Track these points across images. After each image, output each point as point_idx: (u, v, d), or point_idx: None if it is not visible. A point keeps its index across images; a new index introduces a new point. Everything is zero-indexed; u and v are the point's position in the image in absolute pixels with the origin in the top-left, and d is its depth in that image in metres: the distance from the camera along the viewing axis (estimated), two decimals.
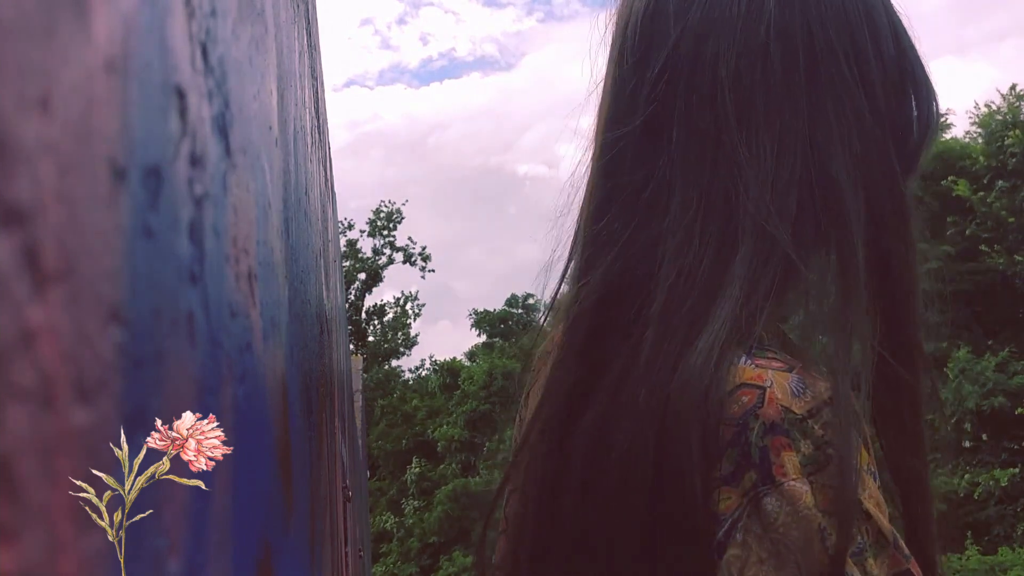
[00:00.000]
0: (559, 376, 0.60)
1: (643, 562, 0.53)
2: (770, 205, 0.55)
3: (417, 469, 20.12)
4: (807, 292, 0.59)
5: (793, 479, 0.49)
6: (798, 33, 0.57)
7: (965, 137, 15.45)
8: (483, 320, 22.61)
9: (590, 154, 0.66)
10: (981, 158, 14.22)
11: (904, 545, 0.52)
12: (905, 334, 0.61)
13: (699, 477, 0.50)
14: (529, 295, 22.22)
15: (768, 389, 0.51)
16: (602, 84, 0.66)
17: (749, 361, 0.53)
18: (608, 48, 0.66)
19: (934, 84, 0.62)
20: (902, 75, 0.60)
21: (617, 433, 0.54)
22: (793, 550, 0.49)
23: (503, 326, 22.20)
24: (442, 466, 19.95)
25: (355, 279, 23.99)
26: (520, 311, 22.34)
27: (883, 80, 0.59)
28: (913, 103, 0.61)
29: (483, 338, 22.72)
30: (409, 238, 24.75)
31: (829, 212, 0.56)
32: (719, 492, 0.50)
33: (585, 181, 0.65)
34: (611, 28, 0.66)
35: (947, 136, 15.65)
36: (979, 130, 14.98)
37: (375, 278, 24.37)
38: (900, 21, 0.61)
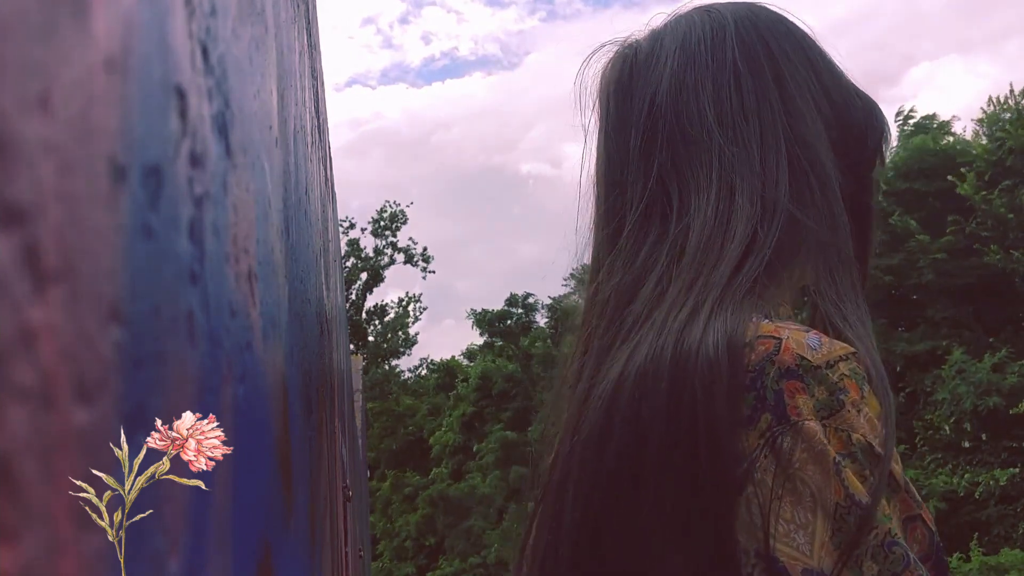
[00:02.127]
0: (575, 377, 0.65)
1: (660, 539, 0.54)
2: (763, 180, 0.63)
3: (414, 476, 20.12)
4: (816, 256, 0.63)
5: (808, 419, 0.52)
6: (759, 49, 0.68)
7: (968, 135, 15.45)
8: (482, 320, 22.59)
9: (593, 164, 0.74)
10: (984, 155, 14.22)
11: (915, 491, 0.54)
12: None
13: (727, 426, 0.53)
14: (529, 294, 22.23)
15: (785, 340, 0.55)
16: (595, 146, 0.75)
17: (767, 320, 0.57)
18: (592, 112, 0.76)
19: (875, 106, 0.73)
20: (846, 85, 0.71)
21: (647, 391, 0.56)
22: (809, 484, 0.51)
23: (501, 325, 22.18)
24: (434, 471, 19.93)
25: (357, 279, 24.00)
26: (520, 311, 22.32)
27: (834, 84, 0.69)
28: (859, 108, 0.71)
29: (484, 338, 22.71)
30: (411, 239, 24.78)
31: (818, 180, 0.64)
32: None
33: (592, 189, 0.74)
34: (592, 95, 0.75)
35: (949, 135, 15.66)
36: (982, 128, 14.99)
37: (376, 278, 24.38)
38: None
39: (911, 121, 15.82)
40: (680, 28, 0.71)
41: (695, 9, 0.73)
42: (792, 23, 0.71)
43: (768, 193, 0.62)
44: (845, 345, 0.56)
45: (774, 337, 0.55)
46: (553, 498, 0.62)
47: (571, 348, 0.69)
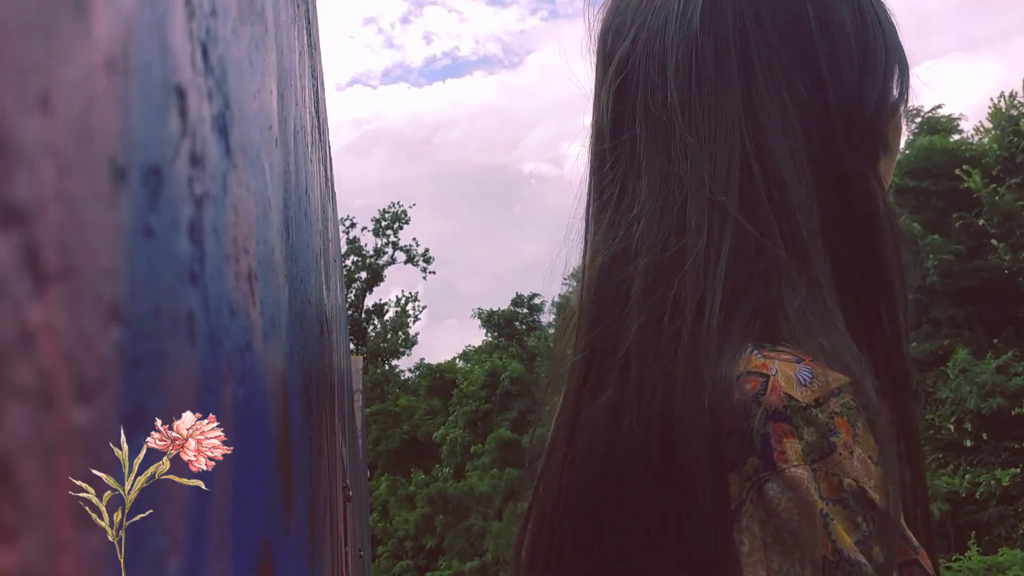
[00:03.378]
0: (570, 381, 0.61)
1: (658, 550, 0.53)
2: (713, 182, 0.57)
3: (417, 474, 20.10)
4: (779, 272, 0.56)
5: (795, 465, 0.49)
6: (729, 21, 0.59)
7: (975, 135, 15.40)
8: (489, 320, 22.57)
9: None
10: (995, 147, 14.18)
11: (912, 536, 0.52)
12: (888, 338, 0.60)
13: (705, 466, 0.51)
14: (535, 294, 22.18)
15: (772, 377, 0.52)
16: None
17: (756, 352, 0.53)
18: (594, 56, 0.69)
19: (905, 62, 0.63)
20: (863, 52, 0.61)
21: (623, 425, 0.54)
22: (796, 535, 0.49)
23: (508, 326, 22.16)
24: (436, 468, 19.91)
25: (356, 278, 24.00)
26: (525, 311, 22.31)
27: (832, 57, 0.60)
28: (874, 79, 0.61)
29: (488, 337, 22.68)
30: (414, 239, 24.80)
31: (772, 187, 0.57)
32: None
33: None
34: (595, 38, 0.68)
35: (957, 132, 15.62)
36: (990, 125, 14.95)
37: (377, 277, 24.39)
38: (870, 6, 0.62)
39: (917, 120, 15.78)
40: None
41: None
42: None
43: (717, 199, 0.56)
44: (839, 376, 0.52)
45: (761, 374, 0.52)
46: (549, 509, 0.60)
47: (565, 346, 0.65)
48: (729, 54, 0.59)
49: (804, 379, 0.52)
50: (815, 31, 0.59)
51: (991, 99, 15.40)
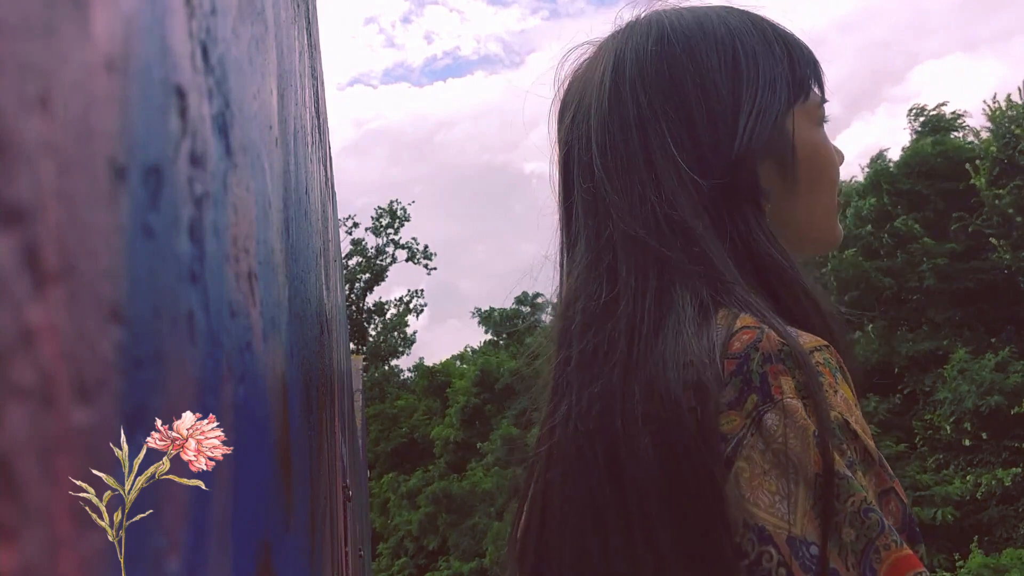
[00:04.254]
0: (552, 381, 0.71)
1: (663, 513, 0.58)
2: (635, 224, 0.69)
3: (412, 476, 20.10)
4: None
5: (790, 397, 0.56)
6: (628, 102, 0.72)
7: (973, 136, 15.37)
8: (488, 319, 22.57)
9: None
10: (992, 150, 14.15)
11: (888, 466, 0.58)
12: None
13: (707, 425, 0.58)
14: (539, 294, 22.15)
15: (766, 329, 0.60)
16: None
17: (747, 314, 0.62)
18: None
19: (775, 82, 0.74)
20: (736, 107, 0.72)
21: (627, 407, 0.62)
22: (791, 457, 0.55)
23: (511, 324, 22.13)
24: (431, 467, 19.90)
25: (358, 278, 24.00)
26: (528, 309, 22.29)
27: (707, 120, 0.71)
28: (746, 109, 0.72)
29: (489, 335, 22.69)
30: (413, 238, 24.78)
31: (679, 229, 0.68)
32: (724, 416, 0.57)
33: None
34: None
35: (959, 129, 15.58)
36: (989, 125, 14.92)
37: (379, 276, 24.38)
38: (749, 50, 0.73)
39: (920, 119, 15.73)
40: (601, 52, 0.78)
41: (624, 27, 0.78)
42: (699, 34, 0.73)
43: (641, 247, 0.68)
44: (817, 338, 0.61)
45: (756, 327, 0.60)
46: (542, 489, 0.68)
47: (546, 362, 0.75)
48: (631, 129, 0.72)
49: (793, 335, 0.60)
50: (694, 102, 0.71)
51: (984, 101, 15.38)
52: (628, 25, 0.77)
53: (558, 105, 0.80)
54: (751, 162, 0.71)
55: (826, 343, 0.61)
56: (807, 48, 0.77)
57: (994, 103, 14.71)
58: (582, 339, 0.67)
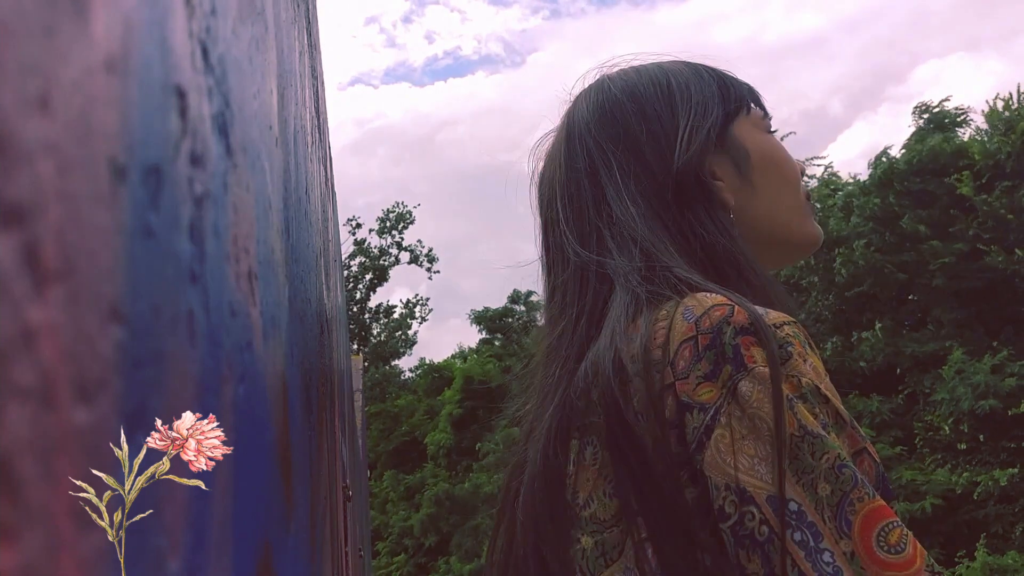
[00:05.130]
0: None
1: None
2: (583, 253, 0.78)
3: (406, 476, 20.14)
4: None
5: (762, 365, 0.60)
6: (579, 155, 0.82)
7: (976, 135, 15.34)
8: (482, 318, 22.53)
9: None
10: (978, 156, 14.14)
11: (859, 428, 0.61)
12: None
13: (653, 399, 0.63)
14: (531, 292, 22.20)
15: (736, 305, 0.64)
16: None
17: (719, 294, 0.66)
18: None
19: (710, 101, 0.83)
20: (673, 129, 0.80)
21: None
22: (766, 420, 0.58)
23: (502, 322, 22.12)
24: (428, 467, 19.92)
25: (362, 278, 23.99)
26: (522, 308, 22.25)
27: (652, 143, 0.80)
28: (683, 124, 0.80)
29: (483, 334, 22.64)
30: (419, 241, 24.78)
31: (629, 243, 0.76)
32: (701, 387, 0.61)
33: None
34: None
35: (964, 126, 15.55)
36: (985, 127, 14.89)
37: (382, 277, 24.37)
38: (681, 80, 0.83)
39: (925, 116, 15.69)
40: (556, 137, 0.88)
41: (574, 99, 0.88)
42: (642, 85, 0.83)
43: (584, 271, 0.77)
44: (784, 314, 0.65)
45: (727, 304, 0.64)
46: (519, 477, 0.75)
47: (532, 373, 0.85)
48: (583, 178, 0.81)
49: (761, 312, 0.64)
50: (636, 128, 0.80)
51: (987, 101, 15.33)
52: (576, 97, 0.88)
53: (536, 189, 0.90)
54: (694, 165, 0.78)
55: (793, 319, 0.64)
56: (741, 79, 0.87)
57: (995, 103, 14.69)
58: (546, 369, 0.77)
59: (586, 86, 0.88)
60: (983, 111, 14.84)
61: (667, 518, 0.62)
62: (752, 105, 0.85)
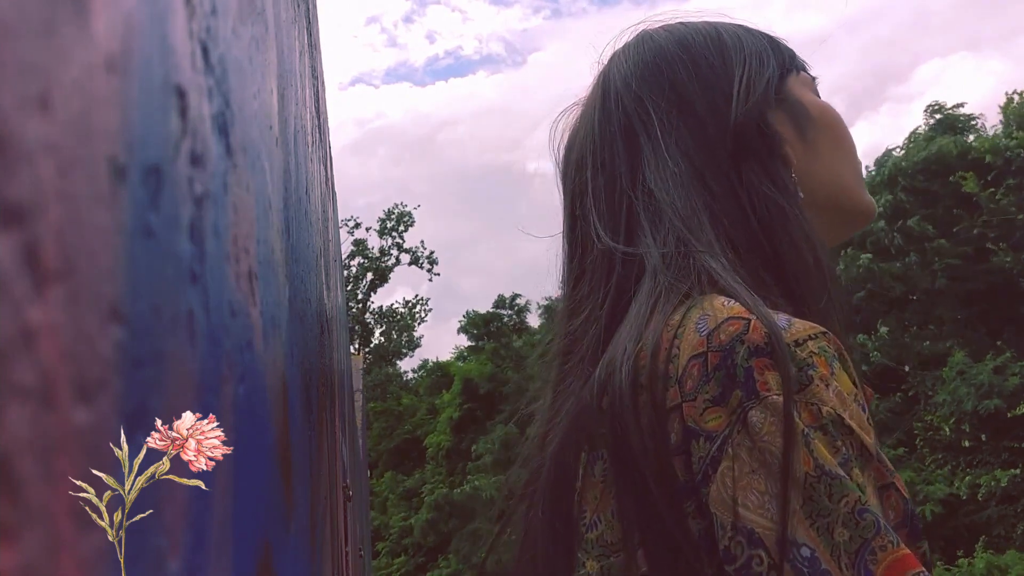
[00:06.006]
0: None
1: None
2: (605, 231, 0.71)
3: (406, 477, 20.12)
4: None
5: (776, 393, 0.54)
6: (614, 113, 0.74)
7: (982, 132, 15.29)
8: (472, 323, 22.47)
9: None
10: (988, 156, 14.10)
11: (887, 461, 0.56)
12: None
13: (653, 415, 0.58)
14: (516, 295, 22.20)
15: (753, 320, 0.57)
16: None
17: (737, 303, 0.59)
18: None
19: (765, 63, 0.75)
20: (728, 82, 0.73)
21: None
22: (778, 456, 0.52)
23: (491, 327, 22.06)
24: (430, 467, 19.92)
25: (362, 278, 23.99)
26: (510, 312, 22.23)
27: (706, 99, 0.72)
28: (738, 74, 0.73)
29: (471, 342, 22.58)
30: (421, 242, 24.78)
31: (658, 221, 0.69)
32: (708, 413, 0.55)
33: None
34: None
35: (973, 131, 15.52)
36: (994, 124, 14.86)
37: (382, 278, 24.37)
38: (732, 32, 0.76)
39: (937, 116, 15.64)
40: (589, 91, 0.80)
41: (615, 54, 0.80)
42: (689, 41, 0.75)
43: (609, 243, 0.70)
44: (814, 325, 0.58)
45: (743, 318, 0.57)
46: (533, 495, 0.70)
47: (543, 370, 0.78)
48: (616, 140, 0.73)
49: (782, 324, 0.57)
50: (687, 80, 0.73)
51: (1005, 93, 15.21)
52: (612, 55, 0.80)
53: (561, 160, 0.82)
54: (755, 116, 0.71)
55: (823, 330, 0.58)
56: (786, 42, 0.79)
57: (1009, 97, 14.60)
58: (563, 363, 0.71)
59: (623, 44, 0.80)
60: (1000, 105, 14.75)
61: (670, 554, 0.57)
62: (802, 67, 0.79)
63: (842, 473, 0.52)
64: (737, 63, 0.73)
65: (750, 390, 0.54)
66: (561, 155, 0.82)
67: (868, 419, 0.56)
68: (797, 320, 0.58)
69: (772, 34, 0.79)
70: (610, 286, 0.69)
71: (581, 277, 0.73)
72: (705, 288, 0.63)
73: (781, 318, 0.58)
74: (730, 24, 0.78)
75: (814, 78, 0.79)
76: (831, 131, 0.75)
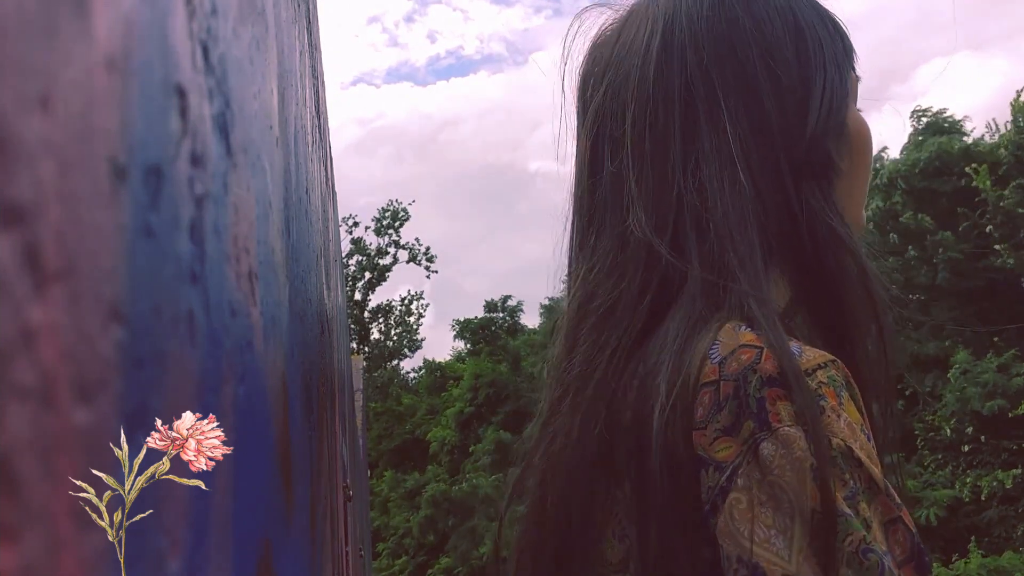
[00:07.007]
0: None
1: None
2: (651, 222, 0.64)
3: (407, 476, 20.14)
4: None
5: (788, 425, 0.53)
6: (675, 73, 0.65)
7: (986, 132, 15.29)
8: (466, 328, 22.45)
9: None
10: (1002, 149, 14.07)
11: (895, 494, 0.54)
12: (862, 347, 0.66)
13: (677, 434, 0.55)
14: (507, 297, 22.24)
15: (766, 349, 0.56)
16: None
17: (748, 329, 0.58)
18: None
19: (838, 77, 0.68)
20: (804, 83, 0.66)
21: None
22: (787, 490, 0.51)
23: (485, 331, 22.05)
24: (430, 468, 19.93)
25: (360, 277, 23.99)
26: (502, 315, 22.23)
27: (775, 95, 0.65)
28: (817, 87, 0.66)
29: (468, 347, 22.55)
30: (416, 239, 24.76)
31: (704, 222, 0.63)
32: (719, 443, 0.54)
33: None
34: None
35: (964, 135, 15.53)
36: (1000, 122, 14.84)
37: (380, 277, 24.37)
38: (809, 22, 0.68)
39: (923, 120, 15.64)
40: (639, 15, 0.69)
41: None
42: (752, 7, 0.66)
43: (644, 235, 0.64)
44: (824, 353, 0.57)
45: (755, 346, 0.56)
46: (536, 502, 0.67)
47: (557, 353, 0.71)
48: (673, 103, 0.65)
49: (795, 351, 0.56)
50: (760, 72, 0.65)
51: (1016, 91, 15.15)
52: None
53: (578, 74, 0.72)
54: (832, 135, 0.66)
55: (832, 358, 0.57)
56: (841, 23, 0.71)
57: (1019, 95, 14.56)
58: (585, 342, 0.65)
59: None
60: (1011, 102, 14.72)
61: None
62: (853, 65, 0.71)
63: (848, 511, 0.51)
64: (816, 67, 0.66)
65: (762, 421, 0.53)
66: (580, 65, 0.73)
67: (874, 447, 0.55)
68: (808, 348, 0.57)
69: (838, 20, 0.70)
70: (650, 283, 0.63)
71: (608, 254, 0.66)
72: (733, 314, 0.60)
73: (793, 346, 0.56)
74: (806, 7, 0.68)
75: (858, 77, 0.72)
76: (861, 154, 0.70)
